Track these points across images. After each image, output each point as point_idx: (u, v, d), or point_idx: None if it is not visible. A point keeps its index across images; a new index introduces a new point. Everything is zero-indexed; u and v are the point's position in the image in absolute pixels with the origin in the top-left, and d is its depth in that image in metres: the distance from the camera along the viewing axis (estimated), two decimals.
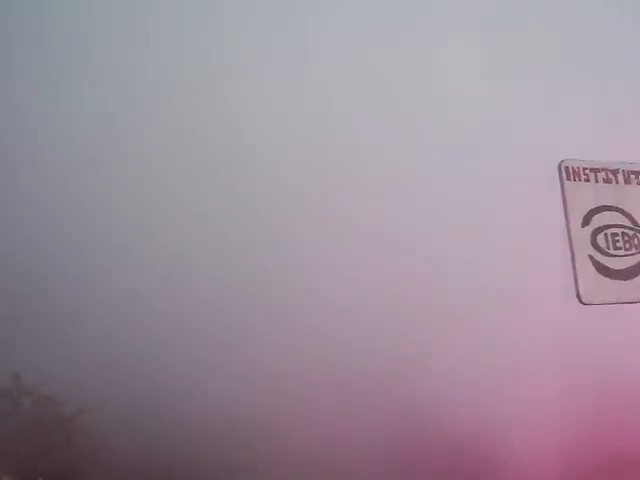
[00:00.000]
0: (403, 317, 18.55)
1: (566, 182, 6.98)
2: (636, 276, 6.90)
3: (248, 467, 17.05)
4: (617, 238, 6.95)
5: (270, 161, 20.99)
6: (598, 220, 6.95)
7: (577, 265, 6.75)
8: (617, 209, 7.06)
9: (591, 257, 6.80)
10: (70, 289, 19.03)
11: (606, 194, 7.06)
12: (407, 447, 17.76)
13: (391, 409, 18.30)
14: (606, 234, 6.93)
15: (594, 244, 6.85)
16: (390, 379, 18.14)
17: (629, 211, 7.09)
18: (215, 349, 18.35)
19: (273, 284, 19.67)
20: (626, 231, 7.01)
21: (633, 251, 6.97)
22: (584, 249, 6.81)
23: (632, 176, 7.22)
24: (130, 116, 20.97)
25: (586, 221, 6.91)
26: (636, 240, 7.02)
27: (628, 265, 6.92)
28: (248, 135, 21.11)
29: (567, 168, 7.03)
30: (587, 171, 7.06)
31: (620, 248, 6.92)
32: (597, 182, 7.07)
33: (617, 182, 7.15)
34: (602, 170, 7.12)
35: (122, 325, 18.18)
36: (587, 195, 6.99)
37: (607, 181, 7.11)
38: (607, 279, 6.79)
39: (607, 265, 6.83)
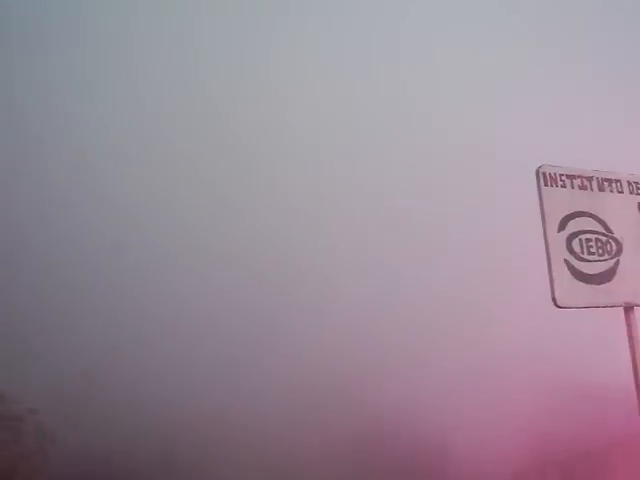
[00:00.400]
0: (372, 318, 18.66)
1: (543, 188, 7.12)
2: (609, 281, 7.08)
3: (195, 465, 16.99)
4: (591, 244, 7.11)
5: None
6: (573, 225, 7.11)
7: (553, 269, 6.89)
8: (591, 215, 7.23)
9: (567, 261, 6.95)
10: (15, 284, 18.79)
11: (581, 200, 7.22)
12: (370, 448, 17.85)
13: (351, 410, 18.37)
14: (581, 239, 7.08)
15: (569, 249, 7.00)
16: (357, 381, 18.23)
17: (603, 217, 7.26)
18: (159, 343, 18.24)
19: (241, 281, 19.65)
20: (599, 237, 7.18)
21: (606, 257, 7.14)
22: (560, 253, 6.95)
23: (606, 183, 7.40)
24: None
25: (562, 226, 7.06)
26: (609, 246, 7.19)
27: (601, 270, 7.09)
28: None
29: (544, 174, 7.17)
30: (563, 177, 7.22)
31: (594, 253, 7.09)
32: (573, 188, 7.23)
33: (592, 189, 7.32)
34: (578, 177, 7.29)
35: (66, 326, 17.97)
36: (563, 201, 7.14)
37: (582, 188, 7.28)
38: (582, 283, 6.94)
39: (582, 270, 6.99)
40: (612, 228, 7.27)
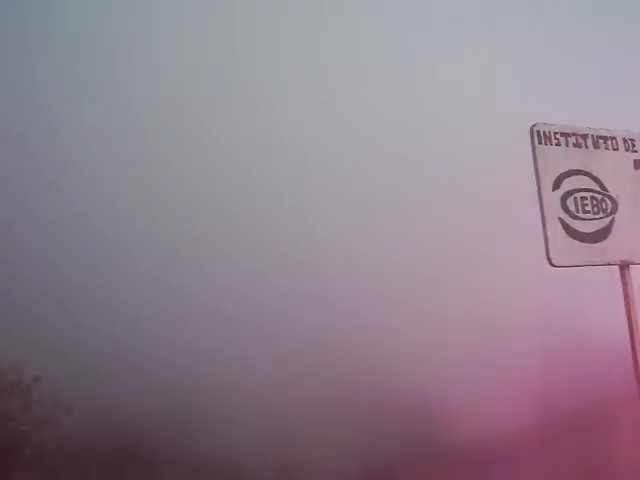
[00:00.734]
0: (372, 276, 18.72)
1: (538, 146, 7.06)
2: (604, 239, 7.05)
3: (212, 434, 17.17)
4: (586, 202, 7.07)
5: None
6: (568, 184, 7.06)
7: (547, 228, 6.86)
8: (586, 173, 7.18)
9: (561, 220, 6.91)
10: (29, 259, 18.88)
11: (576, 158, 7.17)
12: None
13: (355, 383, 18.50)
14: (575, 198, 7.04)
15: (564, 207, 6.96)
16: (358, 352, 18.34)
17: (597, 175, 7.21)
18: (184, 317, 18.34)
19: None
20: (595, 195, 7.14)
21: (601, 215, 7.11)
22: (555, 212, 6.91)
23: (601, 141, 7.34)
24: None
25: (556, 185, 7.01)
26: (604, 204, 7.16)
27: (596, 228, 7.06)
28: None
29: (539, 132, 7.10)
30: (558, 135, 7.15)
31: (589, 212, 7.05)
32: (567, 146, 7.17)
33: (587, 147, 7.25)
34: (572, 135, 7.22)
35: (79, 290, 18.02)
36: (558, 159, 7.08)
37: (577, 145, 7.21)
38: (576, 242, 6.92)
39: (576, 228, 6.96)
40: (607, 186, 7.23)
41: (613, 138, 7.39)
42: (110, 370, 17.16)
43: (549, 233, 6.83)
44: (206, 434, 17.43)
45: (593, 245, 6.97)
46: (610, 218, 7.11)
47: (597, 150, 7.27)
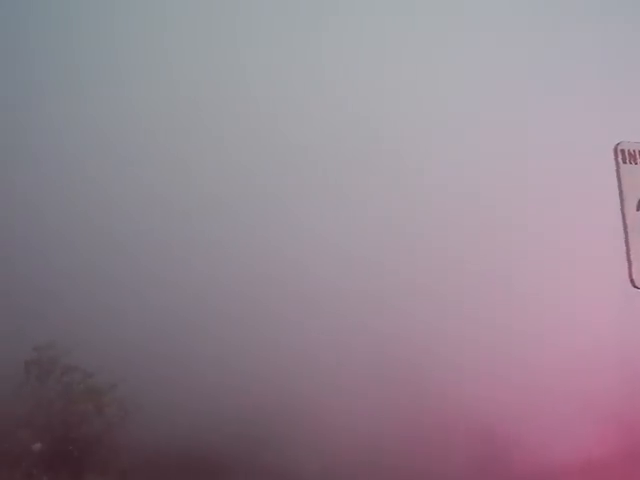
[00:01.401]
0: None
1: (622, 165, 6.89)
2: None
3: (278, 439, 17.19)
4: None
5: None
6: None
7: (631, 249, 6.68)
8: None
9: None
10: (107, 260, 19.27)
11: None
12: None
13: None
14: None
15: None
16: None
17: None
18: (250, 325, 18.46)
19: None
20: None
21: None
22: (639, 233, 6.73)
23: None
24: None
25: None
26: None
27: None
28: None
29: (623, 151, 6.94)
30: None
31: None
32: None
33: None
34: None
35: (161, 300, 18.34)
36: None
37: None
38: None
39: None
40: None
41: None
42: (185, 378, 17.39)
43: (633, 255, 6.65)
44: (279, 446, 17.45)
45: None
46: None
47: None
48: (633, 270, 6.64)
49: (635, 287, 6.60)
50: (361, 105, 21.23)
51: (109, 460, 15.95)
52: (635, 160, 6.94)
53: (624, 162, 6.90)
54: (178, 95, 21.36)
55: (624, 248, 6.71)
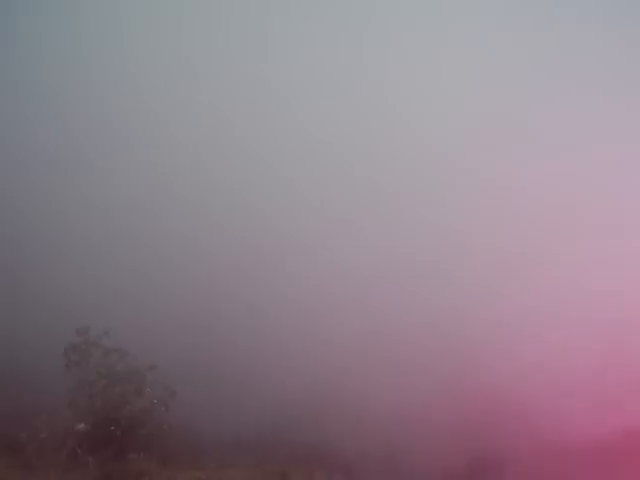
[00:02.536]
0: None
1: None
2: None
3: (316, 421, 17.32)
4: None
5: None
6: None
7: None
8: None
9: None
10: (143, 246, 19.49)
11: None
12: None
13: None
14: None
15: None
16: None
17: None
18: (284, 308, 18.61)
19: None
20: None
21: None
22: None
23: None
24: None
25: None
26: None
27: None
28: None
29: None
30: None
31: None
32: None
33: None
34: None
35: (196, 282, 18.48)
36: None
37: None
38: None
39: None
40: None
41: None
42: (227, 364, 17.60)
43: None
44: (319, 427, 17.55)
45: None
46: None
47: None
48: None
49: None
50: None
51: (152, 440, 15.99)
52: None
53: None
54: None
55: None
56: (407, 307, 19.01)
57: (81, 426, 15.74)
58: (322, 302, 19.04)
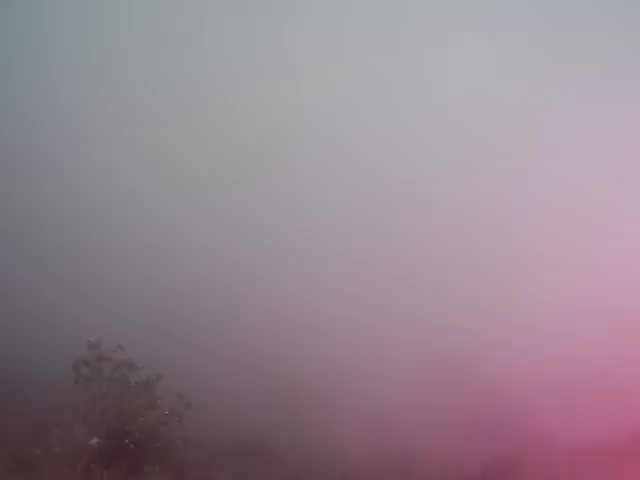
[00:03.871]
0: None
1: None
2: None
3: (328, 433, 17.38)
4: None
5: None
6: None
7: None
8: None
9: None
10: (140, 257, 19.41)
11: None
12: None
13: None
14: None
15: None
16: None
17: None
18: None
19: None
20: None
21: None
22: None
23: None
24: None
25: None
26: None
27: None
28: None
29: None
30: None
31: None
32: None
33: None
34: None
35: (201, 290, 18.46)
36: None
37: None
38: None
39: None
40: None
41: None
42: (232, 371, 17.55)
43: None
44: (323, 432, 17.61)
45: None
46: None
47: None
48: None
49: None
50: (360, 107, 21.48)
51: (166, 452, 15.98)
52: None
53: None
54: (178, 95, 21.48)
55: None
56: (415, 310, 19.05)
57: (94, 441, 15.71)
58: (328, 298, 19.01)
